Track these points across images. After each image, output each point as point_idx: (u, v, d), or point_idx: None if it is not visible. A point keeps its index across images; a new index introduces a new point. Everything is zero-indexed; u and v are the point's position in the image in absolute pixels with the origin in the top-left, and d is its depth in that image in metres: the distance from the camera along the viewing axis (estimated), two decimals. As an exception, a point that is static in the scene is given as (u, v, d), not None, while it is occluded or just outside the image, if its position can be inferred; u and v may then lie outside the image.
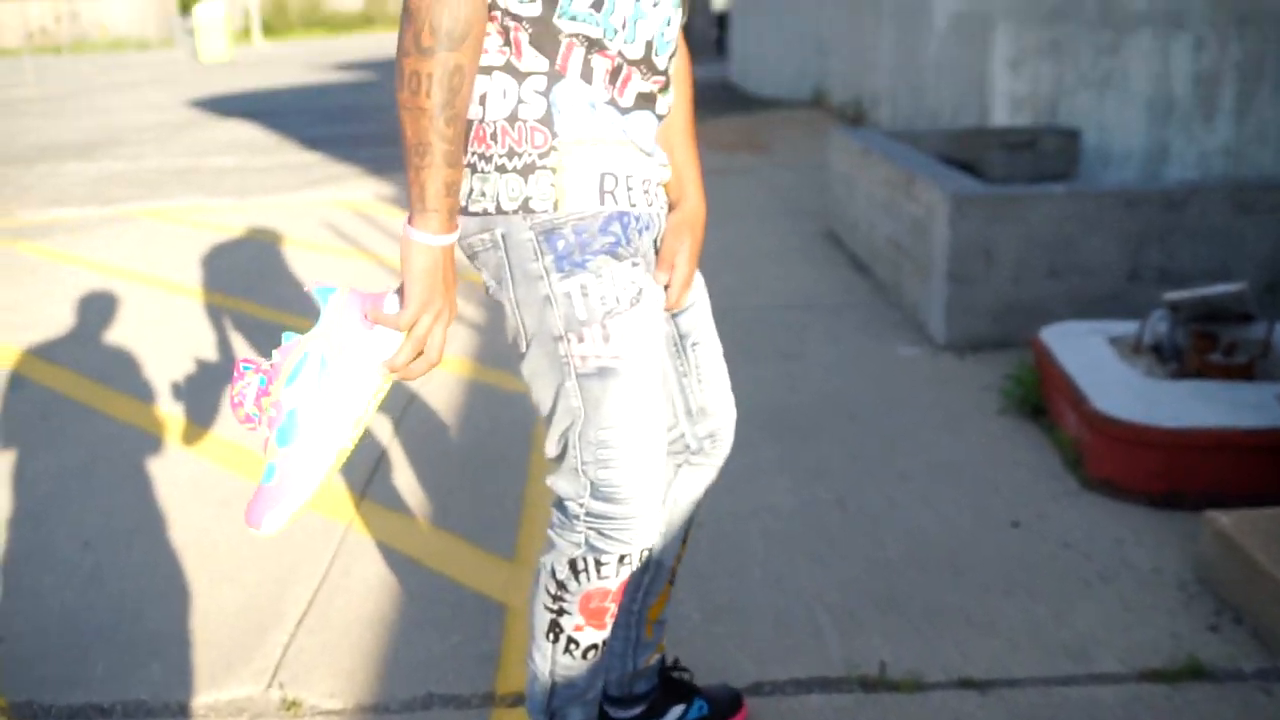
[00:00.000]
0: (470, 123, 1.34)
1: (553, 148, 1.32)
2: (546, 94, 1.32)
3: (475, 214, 1.36)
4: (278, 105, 14.30)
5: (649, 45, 1.36)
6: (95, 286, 5.10)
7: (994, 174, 5.78)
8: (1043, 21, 6.27)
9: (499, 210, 1.34)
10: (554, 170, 1.32)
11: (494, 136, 1.33)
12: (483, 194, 1.35)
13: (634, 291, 1.37)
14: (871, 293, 4.65)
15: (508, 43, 1.32)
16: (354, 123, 11.92)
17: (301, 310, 4.53)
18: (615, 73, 1.34)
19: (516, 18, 1.30)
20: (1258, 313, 3.24)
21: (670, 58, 1.42)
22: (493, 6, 1.30)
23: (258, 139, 10.83)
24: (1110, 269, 3.93)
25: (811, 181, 7.02)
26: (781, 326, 4.22)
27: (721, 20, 20.49)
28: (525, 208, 1.33)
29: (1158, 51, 5.09)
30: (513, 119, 1.32)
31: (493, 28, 1.31)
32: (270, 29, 38.94)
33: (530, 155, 1.32)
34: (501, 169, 1.33)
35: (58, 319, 4.58)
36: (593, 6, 1.30)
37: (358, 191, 7.52)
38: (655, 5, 1.36)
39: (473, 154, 1.35)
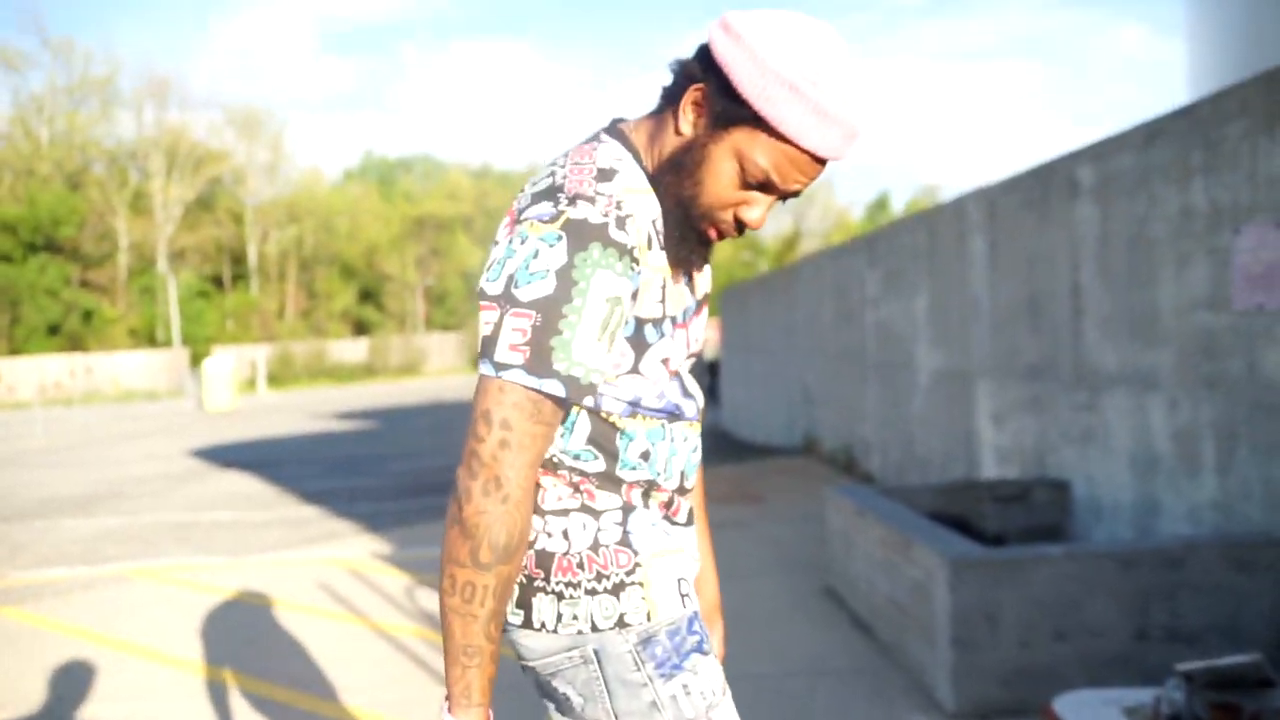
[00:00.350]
0: (553, 555, 1.43)
1: (637, 564, 1.43)
2: (623, 524, 1.45)
3: (563, 636, 1.43)
4: (279, 455, 14.57)
5: (682, 475, 1.54)
6: (76, 656, 4.96)
7: (988, 528, 5.81)
8: (1021, 379, 6.53)
9: (593, 629, 1.41)
10: (642, 584, 1.43)
11: (580, 565, 1.42)
12: (574, 617, 1.42)
13: (723, 681, 1.49)
14: (876, 655, 4.54)
15: (578, 491, 1.45)
16: (354, 475, 12.09)
17: (287, 681, 4.39)
18: (668, 504, 1.52)
19: (584, 474, 1.45)
20: (1277, 679, 3.14)
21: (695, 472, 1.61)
22: (558, 465, 1.45)
23: (256, 492, 10.93)
24: (1117, 630, 3.86)
25: (807, 534, 7.04)
26: (786, 697, 4.08)
27: (713, 368, 21.34)
28: (620, 623, 1.41)
29: (1135, 410, 5.26)
30: (595, 546, 1.43)
31: (558, 481, 1.45)
32: (275, 379, 40.36)
33: (618, 575, 1.42)
34: (591, 592, 1.42)
35: (32, 696, 4.42)
36: (642, 457, 1.47)
37: (354, 549, 7.50)
38: (685, 440, 1.54)
39: (558, 583, 1.43)
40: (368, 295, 56.00)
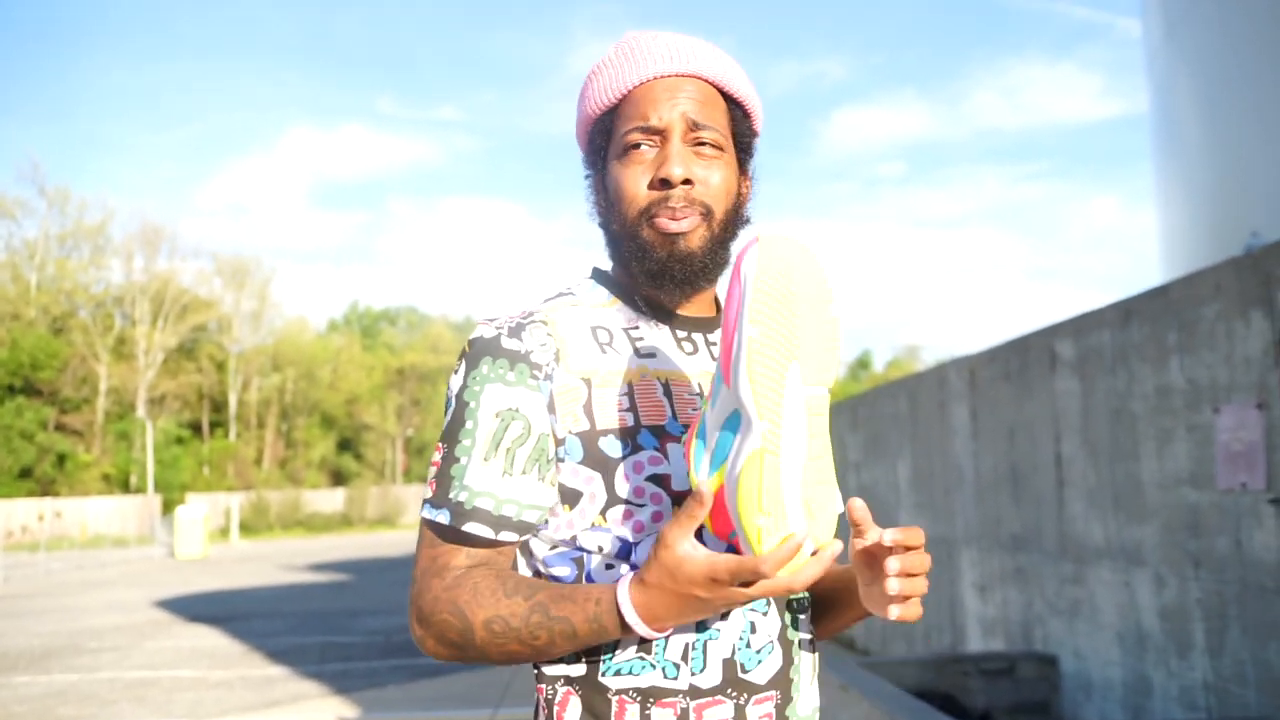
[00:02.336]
0: None
1: None
2: None
3: None
4: (248, 608, 14.20)
5: (728, 664, 1.22)
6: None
7: (974, 703, 5.67)
8: (1005, 549, 6.49)
9: None
10: None
11: None
12: None
13: None
14: (861, 842, 4.35)
15: (549, 715, 1.25)
16: (325, 631, 11.77)
17: None
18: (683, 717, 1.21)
19: (556, 682, 1.24)
20: None
21: (781, 660, 1.27)
22: (539, 675, 1.27)
23: (221, 648, 10.61)
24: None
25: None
26: None
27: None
28: None
29: (1121, 585, 5.21)
30: None
31: (537, 697, 1.28)
32: (249, 528, 39.74)
33: None
34: None
35: None
36: (641, 651, 1.21)
37: (321, 714, 7.23)
38: (725, 616, 1.23)
39: None
40: (347, 445, 55.73)
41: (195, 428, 52.23)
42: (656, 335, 1.33)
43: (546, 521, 1.25)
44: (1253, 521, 4.32)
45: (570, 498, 1.24)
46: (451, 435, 1.24)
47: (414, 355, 57.88)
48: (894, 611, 1.14)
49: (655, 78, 1.29)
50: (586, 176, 1.39)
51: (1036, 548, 6.07)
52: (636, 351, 1.29)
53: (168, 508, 39.81)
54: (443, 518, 1.22)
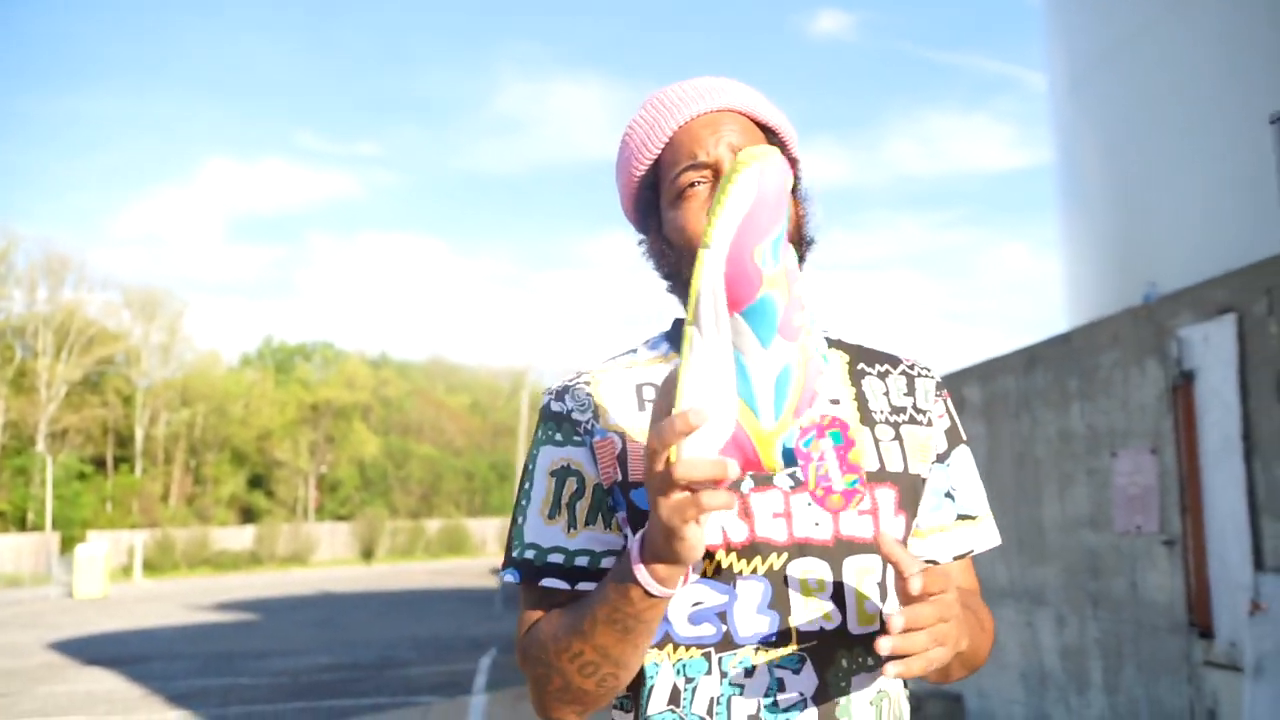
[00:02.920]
0: None
1: None
2: None
3: None
4: (148, 649, 13.75)
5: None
6: None
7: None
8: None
9: None
10: None
11: None
12: None
13: None
14: None
15: None
16: (229, 673, 11.45)
17: None
18: None
19: None
20: None
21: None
22: None
23: (118, 691, 10.25)
24: None
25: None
26: None
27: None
28: None
29: (1024, 625, 5.32)
30: None
31: None
32: (153, 566, 38.58)
33: None
34: None
35: None
36: (671, 704, 1.20)
37: (221, 758, 7.02)
38: (757, 682, 1.18)
39: None
40: (258, 481, 54.46)
41: (99, 463, 50.62)
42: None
43: None
44: (1147, 563, 4.46)
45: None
46: (516, 501, 1.31)
47: (329, 391, 56.95)
48: (890, 670, 1.04)
49: (692, 118, 1.28)
50: (641, 242, 1.36)
51: (944, 588, 6.17)
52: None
53: (67, 546, 38.44)
54: (513, 577, 1.26)
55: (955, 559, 1.31)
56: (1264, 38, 5.71)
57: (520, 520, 1.28)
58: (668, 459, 0.97)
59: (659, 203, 1.31)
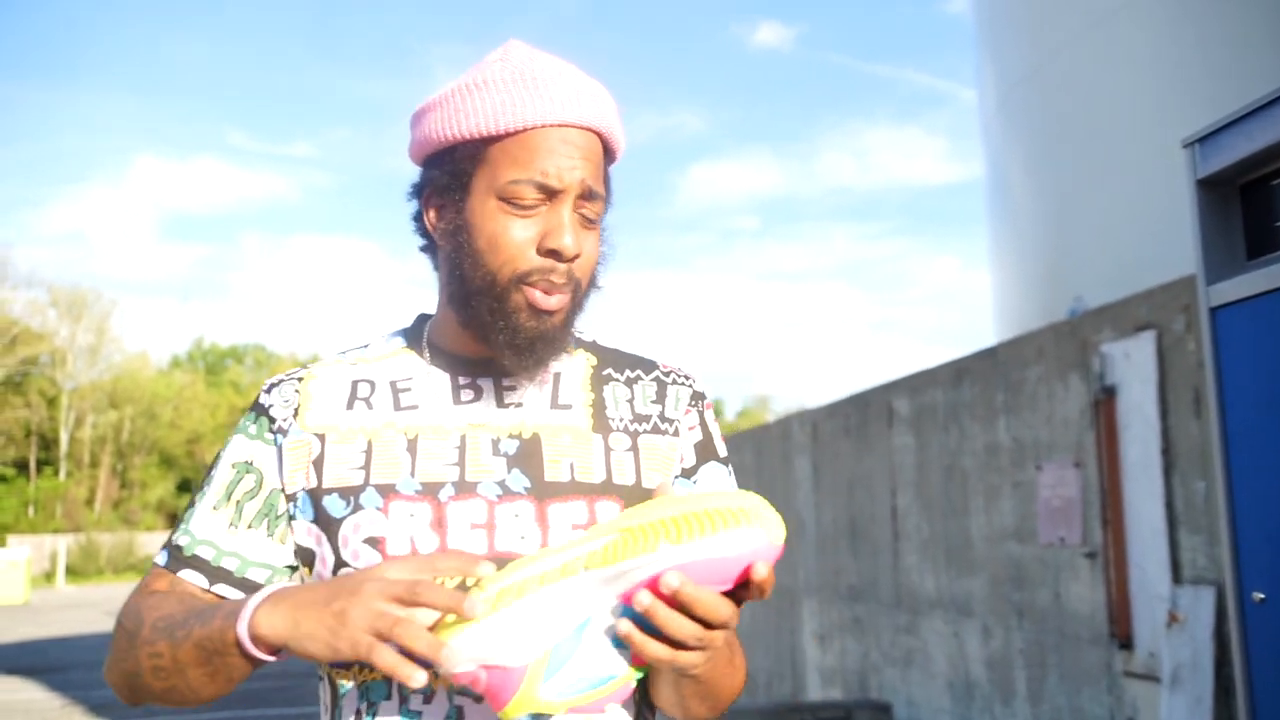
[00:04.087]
0: None
1: None
2: None
3: None
4: (69, 658, 13.41)
5: None
6: None
7: (813, 753, 5.76)
8: (844, 600, 6.64)
9: None
10: None
11: None
12: None
13: None
14: None
15: None
16: (150, 683, 11.20)
17: None
18: None
19: None
20: None
21: None
22: None
23: (36, 702, 9.98)
24: None
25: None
26: None
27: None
28: None
29: (951, 635, 5.39)
30: None
31: None
32: (77, 572, 37.66)
33: None
34: None
35: None
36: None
37: (141, 772, 6.86)
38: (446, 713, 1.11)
39: None
40: (187, 486, 53.50)
41: (21, 466, 49.34)
42: (429, 384, 1.23)
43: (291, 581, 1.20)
44: (1070, 575, 4.54)
45: (306, 558, 1.19)
46: (200, 484, 1.26)
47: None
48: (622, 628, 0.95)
49: (557, 124, 1.15)
50: (418, 190, 1.23)
51: (873, 598, 6.23)
52: (395, 404, 1.22)
53: (-14, 551, 37.38)
54: (161, 559, 1.21)
55: None
56: (1184, 59, 5.86)
57: (192, 505, 1.23)
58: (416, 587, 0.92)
59: (473, 178, 1.16)
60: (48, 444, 51.05)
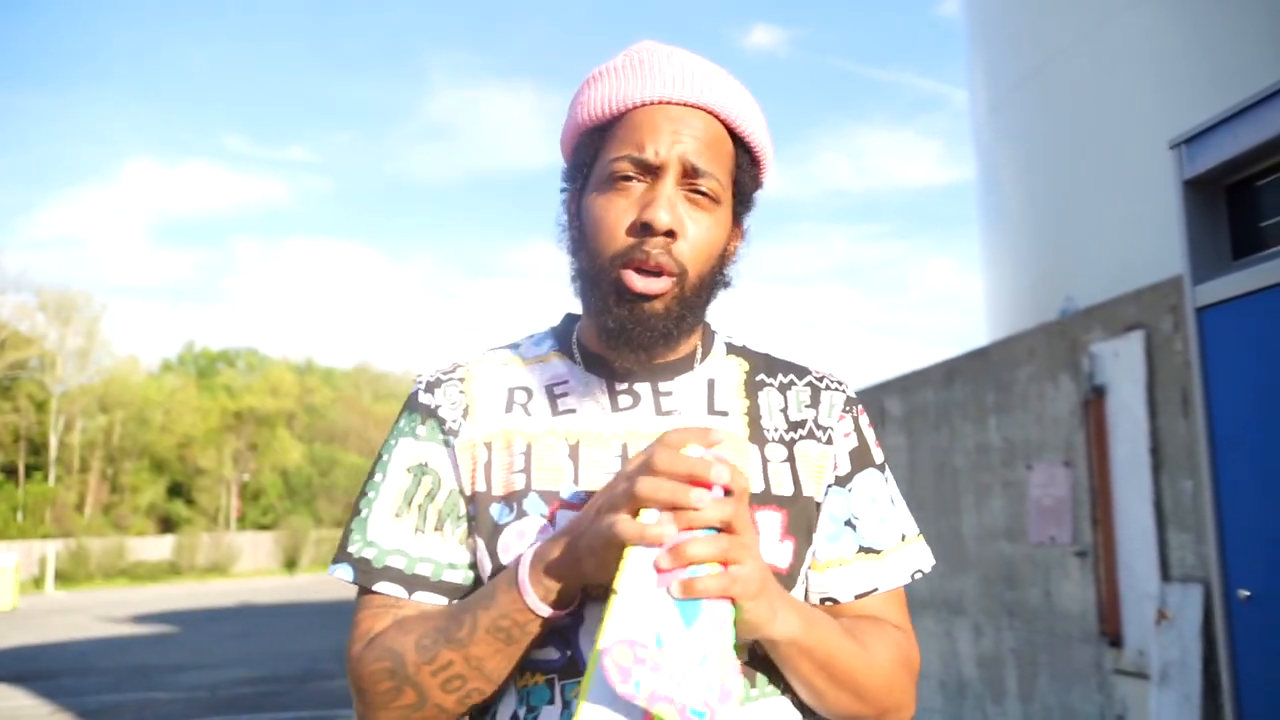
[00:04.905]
0: None
1: None
2: None
3: None
4: (59, 664, 13.36)
5: None
6: None
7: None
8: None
9: None
10: None
11: None
12: None
13: None
14: None
15: None
16: (144, 688, 11.17)
17: None
18: None
19: None
20: None
21: None
22: None
23: (24, 710, 9.94)
24: None
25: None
26: None
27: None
28: None
29: (943, 634, 5.42)
30: None
31: None
32: (66, 578, 37.52)
33: None
34: None
35: None
36: None
37: (133, 775, 6.85)
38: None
39: None
40: (178, 490, 53.29)
41: (10, 471, 49.13)
42: (585, 389, 1.20)
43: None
44: (1060, 574, 4.56)
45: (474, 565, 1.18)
46: (362, 490, 1.20)
47: (253, 398, 55.97)
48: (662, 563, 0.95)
49: (659, 102, 1.13)
50: (563, 189, 1.23)
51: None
52: (553, 409, 1.19)
53: (-25, 555, 37.22)
54: (345, 574, 1.16)
55: (856, 598, 1.19)
56: (1174, 64, 5.90)
57: (364, 512, 1.17)
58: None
59: (591, 168, 1.17)
60: (37, 449, 50.85)
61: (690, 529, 0.95)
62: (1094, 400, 4.46)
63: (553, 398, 1.20)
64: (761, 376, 1.24)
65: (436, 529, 1.16)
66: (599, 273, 1.13)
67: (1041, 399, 4.74)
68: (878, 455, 1.27)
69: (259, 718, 9.17)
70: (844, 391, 1.26)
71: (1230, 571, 2.57)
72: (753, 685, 1.11)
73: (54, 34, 71.88)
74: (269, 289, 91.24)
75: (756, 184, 1.22)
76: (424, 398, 1.21)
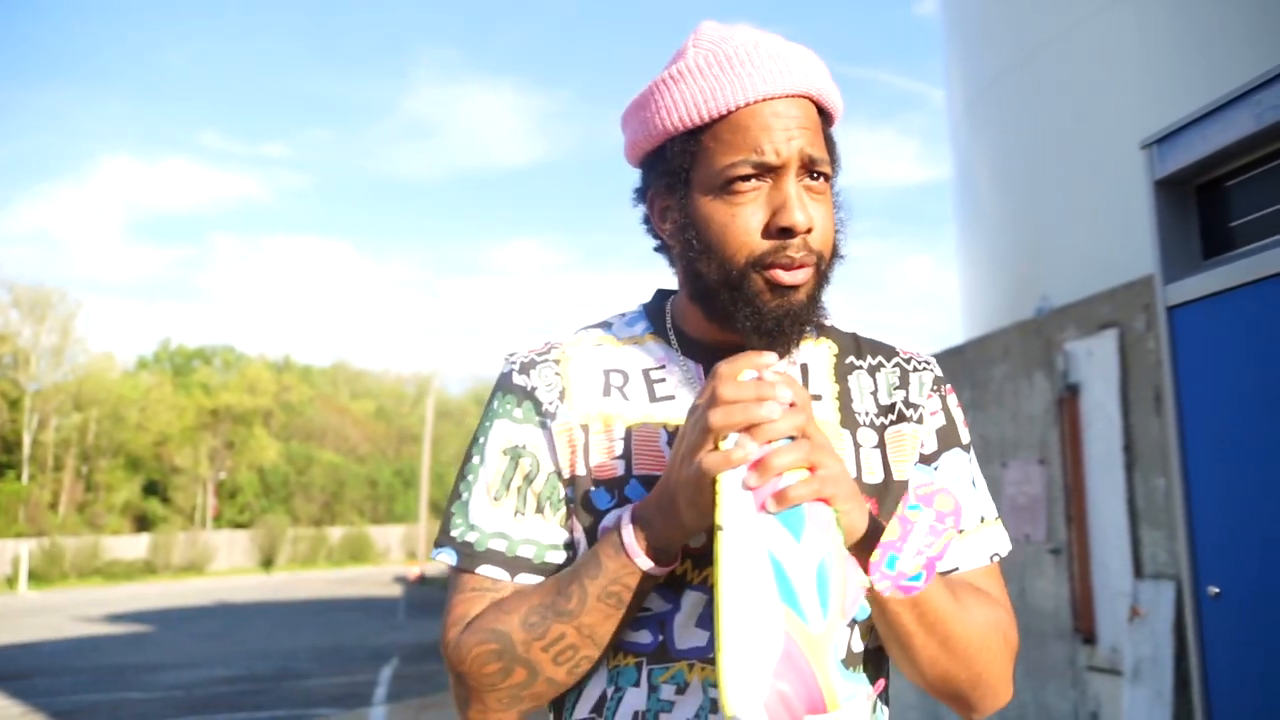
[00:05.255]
0: None
1: None
2: None
3: None
4: (32, 664, 13.25)
5: None
6: None
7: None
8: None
9: None
10: None
11: None
12: None
13: None
14: None
15: None
16: (119, 688, 11.09)
17: None
18: None
19: None
20: None
21: None
22: None
23: None
24: None
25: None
26: None
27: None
28: None
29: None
30: None
31: None
32: (39, 577, 37.20)
33: None
34: None
35: None
36: (594, 712, 1.13)
37: (107, 776, 6.80)
38: (687, 699, 1.09)
39: None
40: (153, 488, 52.93)
41: (-17, 469, 48.69)
42: (684, 375, 1.19)
43: None
44: (1036, 571, 4.59)
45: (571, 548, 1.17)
46: (460, 473, 1.20)
47: (229, 396, 55.63)
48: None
49: (765, 99, 1.11)
50: (639, 192, 1.22)
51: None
52: (651, 395, 1.18)
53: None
54: (449, 558, 1.16)
55: (940, 576, 1.13)
56: (1151, 64, 5.94)
57: (464, 496, 1.17)
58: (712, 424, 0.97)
59: (691, 173, 1.14)
60: (10, 447, 50.40)
61: (770, 443, 0.97)
62: (1068, 398, 4.49)
63: (650, 383, 1.19)
64: (851, 359, 1.24)
65: (537, 511, 1.16)
66: (738, 278, 1.11)
67: (1016, 397, 4.76)
68: (964, 435, 1.25)
69: (235, 717, 9.12)
70: (932, 370, 1.26)
71: (1200, 568, 2.59)
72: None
73: (30, 28, 71.20)
74: (247, 286, 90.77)
75: (836, 156, 1.20)
76: (519, 379, 1.20)
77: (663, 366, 1.20)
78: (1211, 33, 5.63)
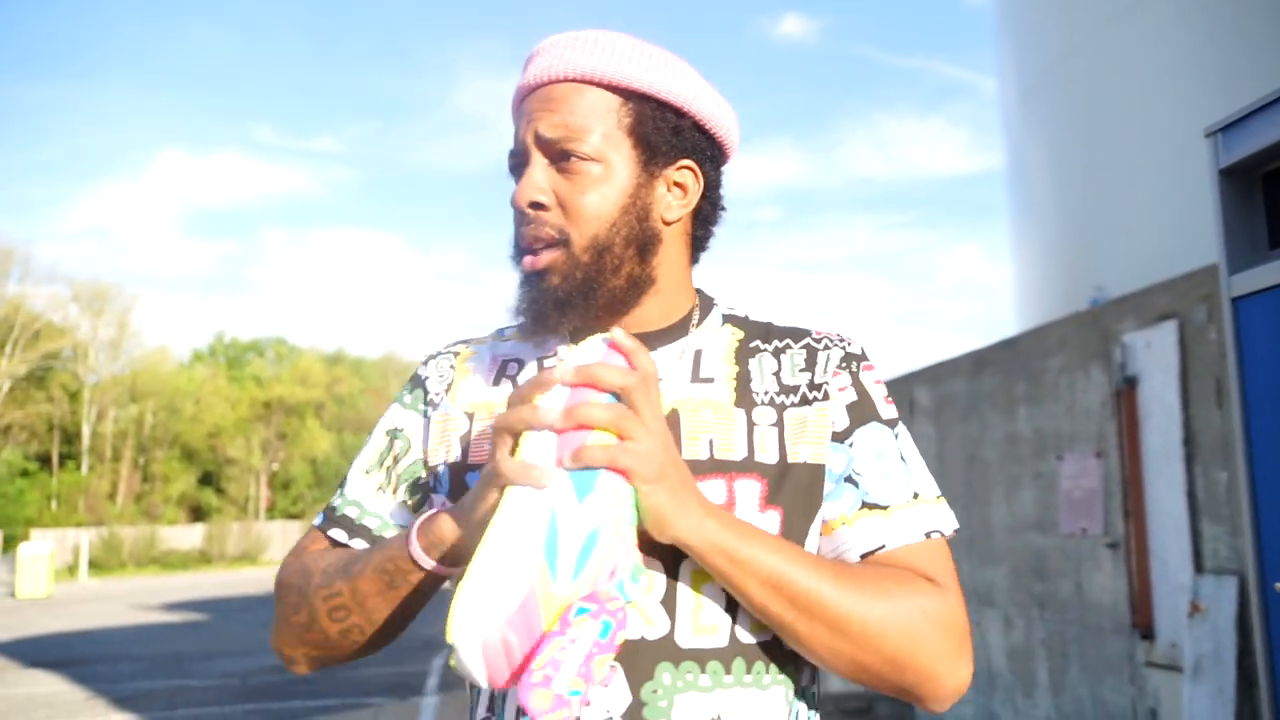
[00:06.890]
0: None
1: None
2: None
3: None
4: (93, 651, 13.54)
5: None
6: None
7: (834, 743, 5.77)
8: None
9: None
10: None
11: None
12: None
13: None
14: None
15: None
16: (176, 675, 11.30)
17: None
18: None
19: None
20: None
21: None
22: None
23: (60, 695, 10.08)
24: None
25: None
26: None
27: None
28: None
29: (973, 626, 5.39)
30: None
31: None
32: (99, 566, 37.98)
33: None
34: None
35: None
36: (489, 710, 1.13)
37: (167, 762, 6.93)
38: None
39: None
40: (208, 479, 53.82)
41: (44, 460, 49.79)
42: (573, 360, 1.17)
43: None
44: (1091, 565, 4.53)
45: None
46: (359, 447, 1.30)
47: (282, 388, 56.40)
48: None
49: (528, 89, 1.16)
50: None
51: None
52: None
53: (10, 544, 37.75)
54: (317, 520, 1.27)
55: (862, 557, 1.09)
56: (1206, 51, 5.82)
57: (349, 470, 1.28)
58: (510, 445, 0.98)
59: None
60: (70, 438, 51.51)
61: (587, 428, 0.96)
62: (1125, 391, 4.42)
63: (541, 368, 1.21)
64: (756, 343, 1.20)
65: (395, 492, 1.23)
66: (516, 265, 1.18)
67: (1072, 389, 4.70)
68: (885, 411, 1.17)
69: (290, 705, 9.26)
70: (843, 348, 1.19)
71: (1266, 563, 2.54)
72: (747, 672, 1.05)
73: (83, 25, 72.53)
74: (297, 279, 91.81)
75: (675, 128, 1.16)
76: (420, 370, 1.28)
77: (554, 354, 1.21)
78: (1273, 17, 5.50)
